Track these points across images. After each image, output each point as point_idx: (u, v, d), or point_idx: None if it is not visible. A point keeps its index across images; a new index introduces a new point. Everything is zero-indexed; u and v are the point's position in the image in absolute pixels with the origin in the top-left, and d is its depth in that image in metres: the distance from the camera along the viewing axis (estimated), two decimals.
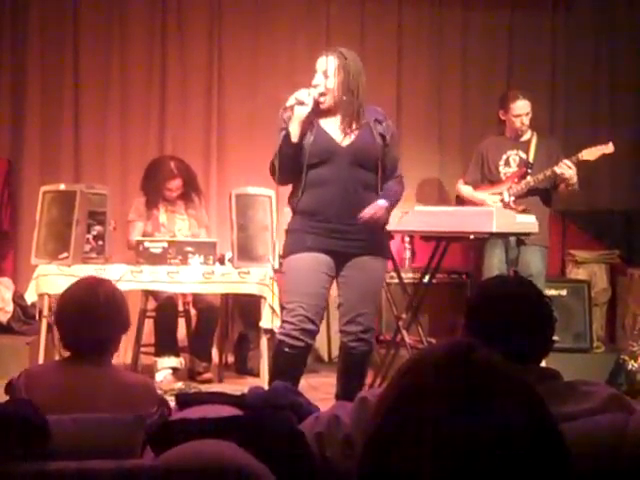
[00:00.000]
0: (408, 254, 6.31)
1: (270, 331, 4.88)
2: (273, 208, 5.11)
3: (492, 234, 4.65)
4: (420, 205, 4.97)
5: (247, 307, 5.82)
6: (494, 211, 4.55)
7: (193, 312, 5.71)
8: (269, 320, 4.86)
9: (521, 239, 5.16)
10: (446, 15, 6.88)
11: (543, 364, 2.14)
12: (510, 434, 0.90)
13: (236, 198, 5.20)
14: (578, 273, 6.31)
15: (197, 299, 5.57)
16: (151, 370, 5.28)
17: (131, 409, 2.22)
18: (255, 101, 6.45)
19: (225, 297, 5.70)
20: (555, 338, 2.14)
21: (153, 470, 1.68)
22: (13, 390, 2.40)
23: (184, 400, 2.12)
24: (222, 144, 6.62)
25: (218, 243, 5.34)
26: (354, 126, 3.88)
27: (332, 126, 3.90)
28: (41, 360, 4.88)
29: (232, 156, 6.61)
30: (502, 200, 5.34)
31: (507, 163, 5.46)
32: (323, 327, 4.53)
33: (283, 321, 3.90)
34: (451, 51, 6.88)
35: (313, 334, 3.84)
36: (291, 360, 3.83)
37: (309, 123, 3.85)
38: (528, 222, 4.70)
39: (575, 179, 5.25)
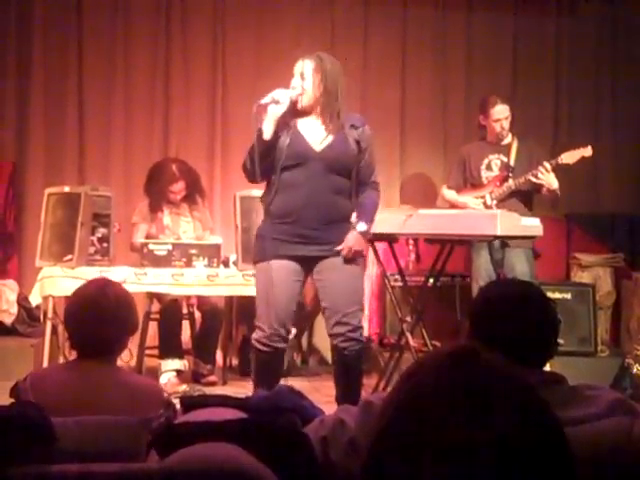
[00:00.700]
0: (412, 257, 6.31)
1: None
2: None
3: (496, 237, 4.65)
4: (424, 208, 4.97)
5: (251, 310, 5.81)
6: (498, 214, 4.54)
7: (197, 314, 5.71)
8: None
9: (505, 242, 5.23)
10: (450, 19, 6.89)
11: (547, 368, 2.14)
12: (512, 438, 0.90)
13: (240, 200, 5.21)
14: (583, 277, 6.30)
15: (202, 301, 5.57)
16: (155, 372, 5.28)
17: (138, 411, 2.22)
18: None
19: (229, 299, 5.70)
20: (560, 341, 2.14)
21: (158, 473, 1.67)
22: (19, 393, 2.40)
23: (188, 403, 2.12)
24: (226, 146, 6.63)
25: (222, 245, 5.35)
26: (331, 128, 3.89)
27: (309, 128, 3.93)
28: (45, 362, 4.89)
29: (236, 158, 6.59)
30: (484, 203, 5.44)
31: (489, 167, 5.55)
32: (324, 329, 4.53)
33: (255, 327, 3.97)
34: (455, 55, 6.89)
35: (284, 338, 3.93)
36: (267, 363, 3.94)
37: (284, 123, 3.89)
38: (533, 225, 4.70)
39: (555, 184, 5.32)
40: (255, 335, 3.94)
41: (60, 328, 5.14)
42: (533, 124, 6.69)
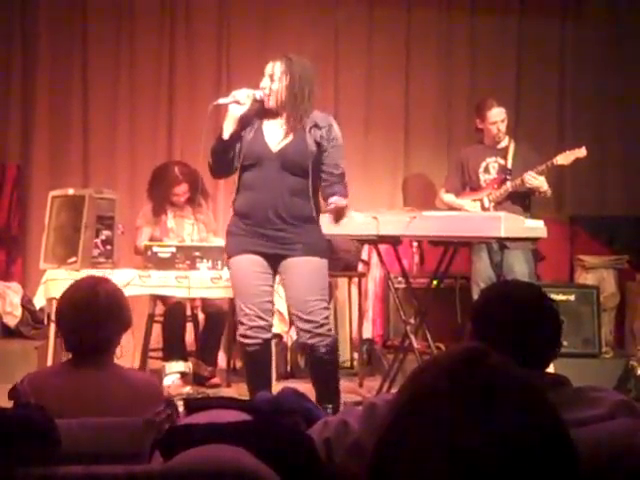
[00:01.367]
0: (416, 259, 6.31)
1: (278, 335, 4.88)
2: None
3: (500, 239, 4.65)
4: (428, 210, 4.97)
5: None
6: (502, 216, 4.54)
7: (201, 316, 5.71)
8: (276, 325, 4.86)
9: (503, 244, 5.24)
10: (454, 21, 6.88)
11: (552, 369, 2.14)
12: (519, 439, 0.90)
13: None
14: (587, 278, 6.29)
15: (206, 303, 5.58)
16: (159, 375, 5.28)
17: (137, 408, 2.22)
18: None
19: (233, 302, 5.69)
20: (563, 343, 2.14)
21: (162, 475, 1.68)
22: (18, 395, 2.40)
23: (192, 405, 2.12)
24: None
25: None
26: (291, 128, 3.92)
27: (273, 129, 3.97)
28: (49, 364, 4.89)
29: None
30: (482, 206, 5.50)
31: (487, 170, 5.60)
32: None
33: (238, 322, 4.05)
34: (459, 57, 6.88)
35: (266, 329, 3.99)
36: (255, 357, 4.01)
37: (248, 123, 3.94)
38: (537, 227, 4.70)
39: (545, 187, 5.39)
40: (239, 331, 4.02)
41: None
42: (537, 126, 6.69)
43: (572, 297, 5.82)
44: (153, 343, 5.54)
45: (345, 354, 6.39)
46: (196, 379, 5.49)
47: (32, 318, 5.83)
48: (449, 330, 5.79)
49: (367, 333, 6.32)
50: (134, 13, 6.63)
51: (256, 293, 3.96)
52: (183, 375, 5.32)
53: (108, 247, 5.15)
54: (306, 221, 3.97)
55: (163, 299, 5.42)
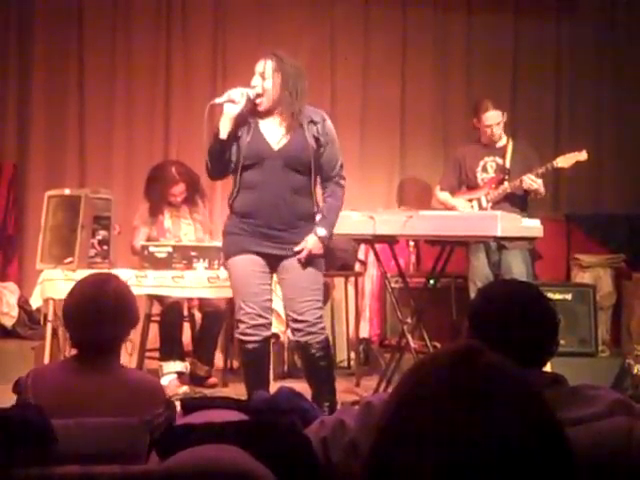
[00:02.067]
0: (413, 258, 6.32)
1: (275, 335, 4.88)
2: None
3: (497, 238, 4.65)
4: (424, 210, 4.97)
5: None
6: (499, 215, 4.54)
7: (198, 316, 5.71)
8: (274, 324, 4.85)
9: (501, 243, 5.25)
10: (450, 20, 6.89)
11: (548, 368, 2.14)
12: (512, 437, 0.90)
13: None
14: (583, 277, 6.30)
15: (204, 302, 5.58)
16: (156, 374, 5.27)
17: (139, 409, 2.22)
18: None
19: (230, 301, 5.69)
20: (560, 342, 2.14)
21: (158, 475, 1.67)
22: (20, 389, 2.41)
23: (189, 405, 2.12)
24: None
25: None
26: (289, 126, 3.93)
27: (269, 128, 3.98)
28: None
29: None
30: (480, 205, 5.48)
31: (484, 169, 5.58)
32: (328, 331, 4.53)
33: (237, 321, 4.04)
34: (455, 56, 6.89)
35: (265, 327, 4.01)
36: (254, 355, 4.02)
37: (244, 122, 3.94)
38: (533, 226, 4.70)
39: (542, 189, 5.38)
40: (238, 330, 4.02)
41: (61, 330, 5.14)
42: (534, 126, 6.70)
43: (569, 296, 5.82)
44: (150, 343, 5.54)
45: (342, 353, 6.40)
46: (193, 379, 5.49)
47: (29, 318, 5.82)
48: (446, 329, 5.79)
49: (364, 332, 6.32)
50: (130, 13, 6.63)
51: (256, 292, 3.97)
52: (180, 375, 5.32)
53: (104, 247, 5.15)
54: (307, 219, 3.98)
55: (160, 299, 5.42)
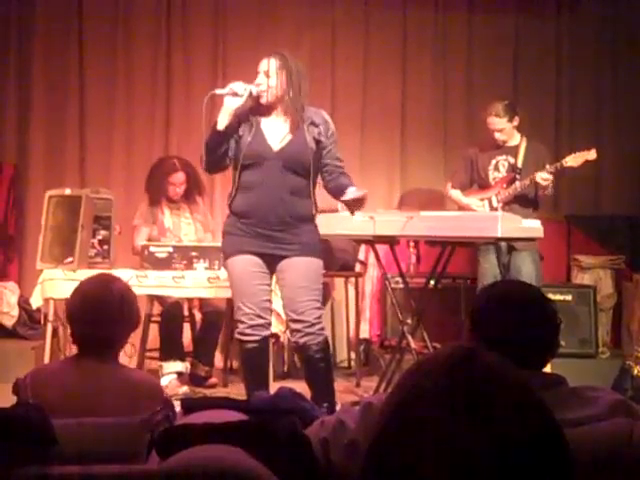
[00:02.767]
0: (413, 259, 6.31)
1: (274, 335, 4.88)
2: None
3: (498, 239, 4.65)
4: (425, 210, 4.96)
5: None
6: (499, 216, 4.54)
7: (198, 316, 5.71)
8: (274, 324, 4.86)
9: (511, 245, 5.23)
10: (451, 20, 6.88)
11: (548, 369, 2.14)
12: (511, 439, 0.90)
13: None
14: (584, 278, 6.30)
15: (204, 303, 5.58)
16: (156, 375, 5.27)
17: (138, 408, 2.22)
18: None
19: (230, 302, 5.69)
20: (560, 343, 2.14)
21: (158, 475, 1.67)
22: (19, 389, 2.41)
23: (189, 405, 2.12)
24: None
25: None
26: (291, 126, 3.94)
27: (270, 127, 3.98)
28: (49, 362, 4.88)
29: None
30: (490, 205, 5.44)
31: (496, 168, 5.53)
32: (328, 331, 4.54)
33: (236, 321, 4.04)
34: (456, 56, 6.88)
35: (265, 327, 4.00)
36: (253, 355, 4.01)
37: (245, 120, 3.94)
38: (534, 227, 4.70)
39: (550, 188, 5.34)
40: (237, 330, 4.01)
41: (61, 330, 5.15)
42: (534, 124, 6.68)
43: (569, 297, 5.82)
44: (150, 343, 5.54)
45: (342, 354, 6.40)
46: (193, 379, 5.49)
47: (29, 318, 5.82)
48: (447, 330, 5.79)
49: (364, 333, 6.32)
50: (130, 12, 6.63)
51: (255, 292, 3.96)
52: (180, 375, 5.32)
53: (105, 247, 5.15)
54: (305, 221, 3.98)
55: (160, 299, 5.42)
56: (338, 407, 3.98)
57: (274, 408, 2.06)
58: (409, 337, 4.79)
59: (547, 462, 0.92)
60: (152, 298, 5.43)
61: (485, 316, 2.04)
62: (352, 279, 6.16)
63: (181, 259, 5.18)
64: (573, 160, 5.33)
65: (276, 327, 4.91)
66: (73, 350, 2.69)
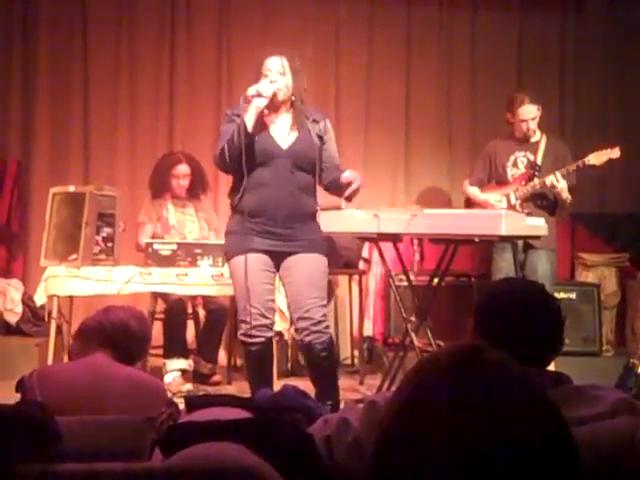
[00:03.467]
0: (417, 257, 6.30)
1: (278, 333, 4.88)
2: None
3: (501, 237, 4.64)
4: (429, 208, 4.95)
5: None
6: (503, 214, 4.53)
7: (202, 313, 5.71)
8: (277, 322, 4.86)
9: (528, 243, 5.20)
10: (455, 18, 6.88)
11: (552, 367, 2.13)
12: (517, 436, 0.90)
13: None
14: (588, 276, 6.30)
15: (208, 300, 5.58)
16: (160, 372, 5.28)
17: (142, 408, 2.22)
18: None
19: (234, 299, 5.69)
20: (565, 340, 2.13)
21: (162, 472, 1.67)
22: (24, 388, 2.41)
23: (193, 402, 2.12)
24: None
25: None
26: (296, 124, 3.97)
27: (276, 125, 3.98)
28: (50, 361, 4.89)
29: None
30: (509, 202, 5.36)
31: (515, 164, 5.46)
32: (332, 329, 4.53)
33: (240, 321, 4.01)
34: (460, 54, 6.88)
35: (269, 327, 4.00)
36: (257, 356, 4.00)
37: (265, 117, 3.94)
38: (537, 225, 4.69)
39: (565, 193, 5.27)
40: (241, 330, 3.99)
41: (65, 327, 5.15)
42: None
43: (573, 295, 5.82)
44: (154, 340, 5.53)
45: (346, 352, 6.40)
46: (197, 377, 5.50)
47: (33, 315, 5.83)
48: (451, 328, 5.78)
49: (368, 331, 6.31)
50: (135, 11, 6.63)
51: (260, 292, 3.94)
52: (184, 372, 5.33)
53: (109, 244, 5.15)
54: (310, 218, 4.00)
55: (164, 296, 5.42)
56: (342, 405, 3.98)
57: (278, 406, 2.06)
58: (413, 335, 4.79)
59: (554, 459, 0.92)
60: (156, 295, 5.44)
61: (489, 314, 2.04)
62: (356, 277, 6.16)
63: (185, 256, 5.18)
64: (596, 158, 5.26)
65: (280, 325, 4.91)
66: None
